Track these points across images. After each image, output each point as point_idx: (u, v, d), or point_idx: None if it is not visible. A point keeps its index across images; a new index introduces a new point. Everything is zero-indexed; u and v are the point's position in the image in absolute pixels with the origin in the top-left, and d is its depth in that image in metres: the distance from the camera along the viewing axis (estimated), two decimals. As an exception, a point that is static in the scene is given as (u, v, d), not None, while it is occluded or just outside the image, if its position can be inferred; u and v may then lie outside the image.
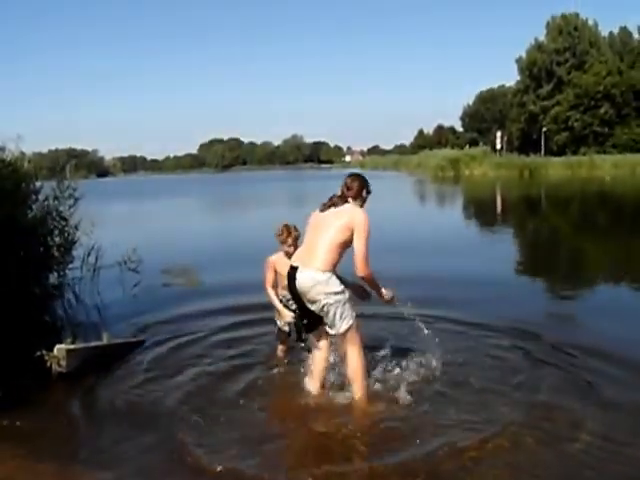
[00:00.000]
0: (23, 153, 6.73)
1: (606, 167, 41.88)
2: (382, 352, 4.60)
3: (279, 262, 4.51)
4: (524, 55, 63.84)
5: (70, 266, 7.22)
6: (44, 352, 4.32)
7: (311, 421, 3.67)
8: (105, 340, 4.94)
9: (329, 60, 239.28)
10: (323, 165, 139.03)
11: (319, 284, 3.66)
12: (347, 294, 3.77)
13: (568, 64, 59.77)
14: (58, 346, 4.39)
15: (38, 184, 6.74)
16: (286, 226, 4.56)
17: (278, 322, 4.74)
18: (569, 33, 60.29)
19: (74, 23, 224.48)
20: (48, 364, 4.33)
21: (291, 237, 4.49)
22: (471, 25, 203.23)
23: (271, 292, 4.55)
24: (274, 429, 3.66)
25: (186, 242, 13.06)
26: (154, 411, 3.88)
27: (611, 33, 62.25)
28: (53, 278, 6.55)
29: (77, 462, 3.31)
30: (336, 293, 3.68)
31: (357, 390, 3.82)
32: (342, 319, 3.70)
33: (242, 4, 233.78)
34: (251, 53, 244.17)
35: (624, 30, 61.52)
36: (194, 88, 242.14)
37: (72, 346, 4.49)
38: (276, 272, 4.55)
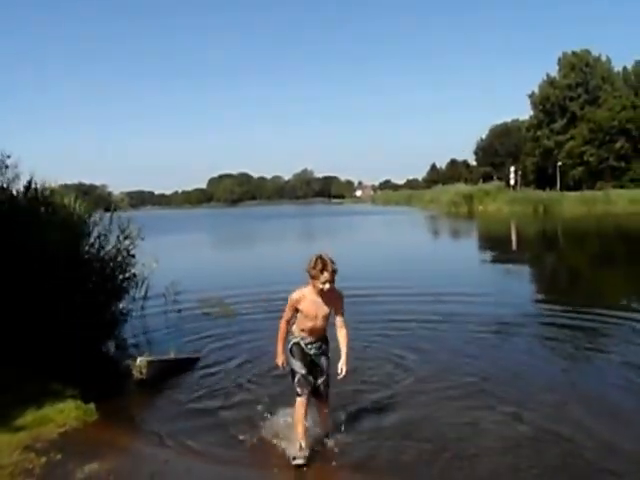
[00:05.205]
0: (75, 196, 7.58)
1: (622, 202, 40.47)
2: None
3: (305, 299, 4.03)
4: (536, 90, 64.68)
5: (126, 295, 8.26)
6: (130, 362, 5.41)
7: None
8: (172, 355, 6.01)
9: (341, 93, 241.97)
10: (334, 200, 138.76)
11: None
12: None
13: (581, 99, 60.56)
14: (140, 358, 5.51)
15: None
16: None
17: (294, 366, 4.05)
18: (581, 69, 60.96)
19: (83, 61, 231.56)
20: (133, 372, 5.41)
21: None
22: (484, 59, 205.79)
23: (283, 328, 4.08)
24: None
25: (215, 275, 14.35)
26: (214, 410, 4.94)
27: (625, 68, 61.85)
28: (120, 306, 7.58)
29: (161, 437, 4.45)
30: None
31: None
32: None
33: (255, 40, 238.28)
34: (261, 89, 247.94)
35: (639, 65, 60.28)
36: (205, 123, 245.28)
37: (150, 358, 5.57)
38: (297, 310, 4.04)
